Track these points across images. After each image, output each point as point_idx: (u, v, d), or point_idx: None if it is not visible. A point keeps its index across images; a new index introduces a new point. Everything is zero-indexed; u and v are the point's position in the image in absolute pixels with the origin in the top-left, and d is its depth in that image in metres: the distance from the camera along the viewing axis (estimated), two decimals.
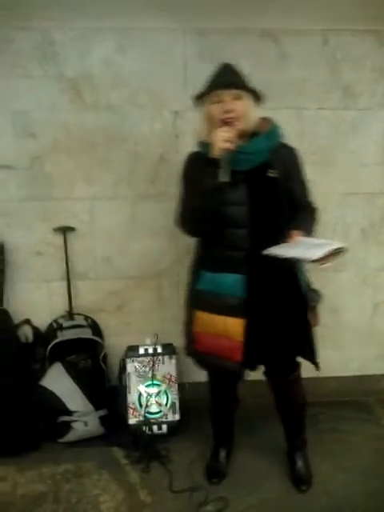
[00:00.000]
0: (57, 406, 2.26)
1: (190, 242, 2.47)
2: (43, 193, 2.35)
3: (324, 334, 2.60)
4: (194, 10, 2.20)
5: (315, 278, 1.96)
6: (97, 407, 2.33)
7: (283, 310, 1.80)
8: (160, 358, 2.41)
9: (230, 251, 1.73)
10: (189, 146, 2.35)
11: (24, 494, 2.04)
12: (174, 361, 2.42)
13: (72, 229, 2.39)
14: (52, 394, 2.26)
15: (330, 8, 2.23)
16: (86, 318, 2.47)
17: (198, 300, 1.82)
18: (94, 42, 2.23)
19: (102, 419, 2.34)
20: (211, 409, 2.16)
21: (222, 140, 1.62)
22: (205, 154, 1.72)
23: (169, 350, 2.45)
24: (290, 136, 2.33)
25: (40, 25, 2.18)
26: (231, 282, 1.73)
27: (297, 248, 1.60)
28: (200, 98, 1.77)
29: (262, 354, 1.85)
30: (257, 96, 1.75)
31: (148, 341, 2.46)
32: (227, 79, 1.72)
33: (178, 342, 2.53)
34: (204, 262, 1.83)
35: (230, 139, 1.62)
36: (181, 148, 2.36)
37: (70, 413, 2.27)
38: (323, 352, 2.56)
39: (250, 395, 2.27)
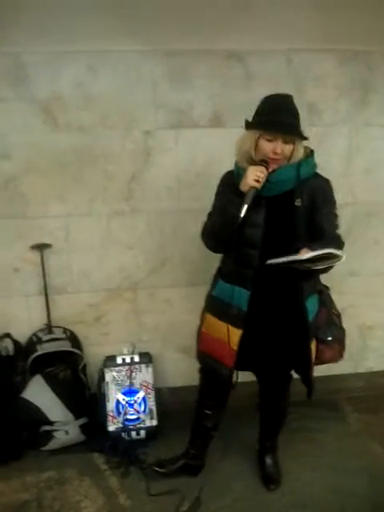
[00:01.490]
0: (38, 417, 2.35)
1: (162, 256, 2.59)
2: (19, 212, 2.42)
3: None
4: (161, 32, 2.27)
5: None
6: (77, 416, 2.43)
7: (281, 328, 1.91)
8: (137, 366, 2.53)
9: (240, 267, 1.85)
10: (160, 164, 2.46)
11: (8, 503, 2.13)
12: (150, 369, 2.53)
13: (48, 246, 2.47)
14: (33, 405, 2.35)
15: (292, 29, 2.33)
16: (65, 330, 2.56)
17: (211, 304, 2.01)
18: (65, 65, 2.28)
19: (83, 427, 2.44)
20: (196, 416, 2.24)
21: (253, 179, 1.69)
22: (236, 175, 1.82)
23: (145, 358, 2.56)
24: None
25: (10, 49, 2.22)
26: (237, 294, 1.86)
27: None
28: (252, 126, 1.78)
29: (256, 365, 1.99)
30: (303, 138, 1.79)
31: (125, 350, 2.57)
32: (286, 122, 1.73)
33: (155, 350, 2.67)
34: (222, 272, 1.99)
35: (260, 180, 1.70)
36: (152, 166, 2.45)
37: (51, 423, 2.37)
38: None
39: None
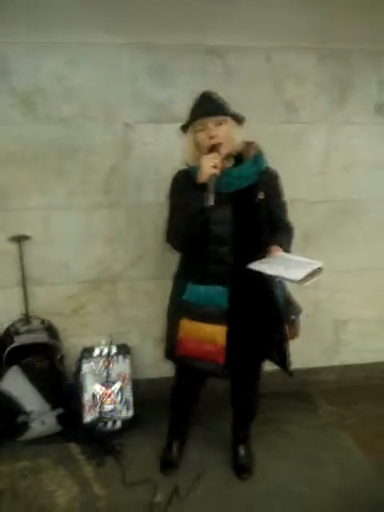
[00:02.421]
0: (15, 408, 2.38)
1: (141, 249, 2.61)
2: None
3: None
4: (141, 26, 2.28)
5: None
6: (53, 406, 2.45)
7: (258, 320, 1.97)
8: (114, 357, 2.55)
9: (214, 266, 1.87)
10: (140, 157, 2.48)
11: None
12: (127, 360, 2.56)
13: (27, 237, 2.47)
14: (10, 396, 2.37)
15: (272, 27, 2.35)
16: (43, 321, 2.57)
17: (184, 309, 1.95)
18: (45, 57, 2.27)
19: (59, 417, 2.46)
20: (173, 408, 2.34)
21: (210, 166, 1.74)
22: (192, 174, 1.85)
23: (123, 350, 2.59)
24: None
25: None
26: (216, 293, 1.87)
27: (278, 265, 1.74)
28: (186, 127, 1.89)
29: (237, 357, 2.01)
30: (238, 119, 1.88)
31: (103, 342, 2.60)
32: (208, 107, 1.84)
33: (133, 342, 2.70)
34: (189, 274, 1.96)
35: (217, 165, 1.75)
36: (132, 159, 2.46)
37: (27, 413, 2.39)
38: None
39: None
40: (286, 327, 2.02)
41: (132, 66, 2.35)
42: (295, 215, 2.63)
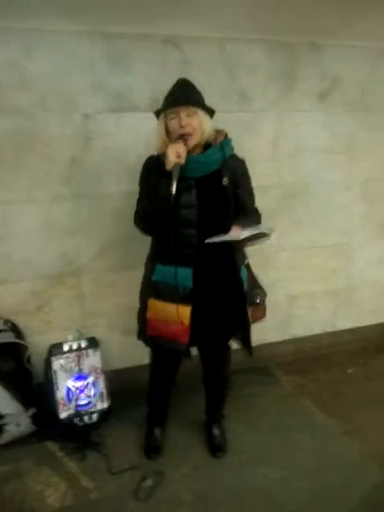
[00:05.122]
0: None
1: (105, 240, 2.60)
2: None
3: None
4: (97, 13, 2.22)
5: None
6: (27, 407, 2.39)
7: (223, 300, 2.05)
8: (84, 351, 2.52)
9: (180, 248, 1.92)
10: (100, 148, 2.45)
11: None
12: (98, 353, 2.54)
13: None
14: None
15: (226, 18, 2.41)
16: (6, 321, 2.47)
17: (153, 290, 2.03)
18: None
19: (33, 417, 2.40)
20: (150, 391, 2.37)
21: (174, 155, 1.80)
22: (162, 160, 1.89)
23: (92, 343, 2.56)
24: None
25: None
26: (181, 274, 1.94)
27: (230, 235, 1.84)
28: (159, 113, 1.94)
29: (202, 335, 2.09)
30: (209, 112, 1.93)
31: (70, 337, 2.55)
32: (183, 96, 1.89)
33: (101, 335, 2.68)
34: (158, 256, 2.03)
35: (181, 155, 1.80)
36: (92, 150, 2.43)
37: (1, 417, 2.31)
38: None
39: None
40: (249, 309, 2.15)
41: (89, 55, 2.30)
42: None
